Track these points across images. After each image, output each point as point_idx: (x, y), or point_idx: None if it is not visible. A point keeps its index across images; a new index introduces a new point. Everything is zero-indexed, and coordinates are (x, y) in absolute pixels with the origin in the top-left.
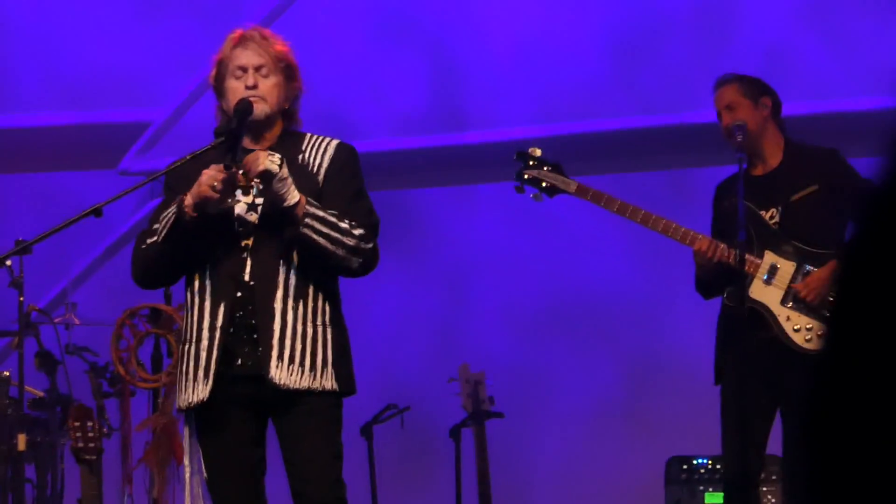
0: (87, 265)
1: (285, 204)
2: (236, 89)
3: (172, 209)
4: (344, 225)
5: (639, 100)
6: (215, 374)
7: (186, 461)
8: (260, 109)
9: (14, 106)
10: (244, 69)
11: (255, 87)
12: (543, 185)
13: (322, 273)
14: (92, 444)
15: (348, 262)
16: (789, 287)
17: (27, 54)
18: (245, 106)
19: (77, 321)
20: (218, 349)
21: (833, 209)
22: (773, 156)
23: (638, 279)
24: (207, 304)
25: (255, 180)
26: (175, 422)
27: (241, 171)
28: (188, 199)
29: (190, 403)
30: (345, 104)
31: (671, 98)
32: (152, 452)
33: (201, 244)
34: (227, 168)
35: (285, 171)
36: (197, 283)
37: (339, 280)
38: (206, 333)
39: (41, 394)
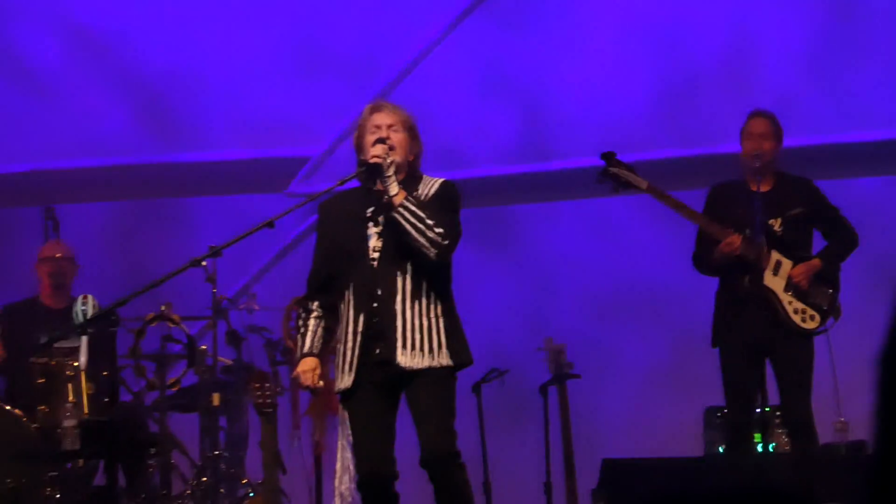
0: (264, 265)
1: (388, 195)
2: (373, 142)
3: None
4: (429, 221)
5: (678, 134)
6: (357, 366)
7: (341, 419)
8: (392, 157)
9: (205, 145)
10: (379, 127)
11: (388, 138)
12: (621, 180)
13: (431, 278)
14: (269, 401)
15: (426, 248)
16: (789, 278)
17: (216, 104)
18: (376, 165)
19: (257, 307)
20: (359, 348)
21: (813, 226)
22: (770, 180)
23: (680, 272)
24: (351, 313)
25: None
26: (332, 382)
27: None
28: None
29: (339, 389)
30: (456, 140)
31: (705, 132)
32: (314, 406)
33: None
34: None
35: (391, 170)
36: (345, 298)
37: (453, 278)
38: (349, 337)
39: (230, 362)
